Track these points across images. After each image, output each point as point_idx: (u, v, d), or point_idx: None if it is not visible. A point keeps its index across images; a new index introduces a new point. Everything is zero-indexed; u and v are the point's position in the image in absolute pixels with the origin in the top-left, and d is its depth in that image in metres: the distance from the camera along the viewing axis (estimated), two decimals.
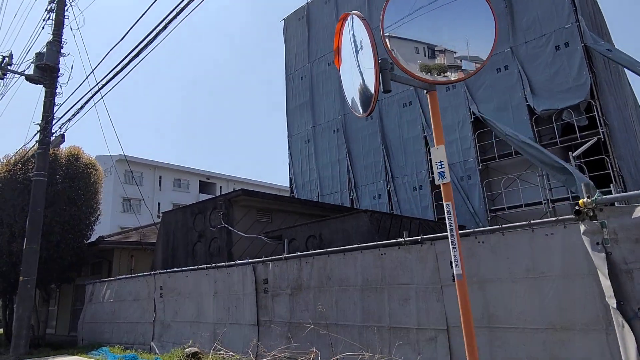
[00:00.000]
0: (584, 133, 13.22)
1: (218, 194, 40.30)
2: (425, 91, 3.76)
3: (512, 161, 14.68)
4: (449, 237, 3.40)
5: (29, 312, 10.77)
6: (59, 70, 12.28)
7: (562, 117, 13.52)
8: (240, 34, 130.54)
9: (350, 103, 3.97)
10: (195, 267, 9.19)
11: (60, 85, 12.46)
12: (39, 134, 11.93)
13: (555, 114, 13.62)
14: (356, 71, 3.81)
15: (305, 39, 22.33)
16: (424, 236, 5.56)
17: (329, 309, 6.43)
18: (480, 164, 15.17)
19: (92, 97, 11.26)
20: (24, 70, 12.38)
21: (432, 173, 16.51)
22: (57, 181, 13.38)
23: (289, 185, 22.24)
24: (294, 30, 23.33)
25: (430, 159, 16.27)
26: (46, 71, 12.05)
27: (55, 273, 13.24)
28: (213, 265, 8.73)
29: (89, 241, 14.44)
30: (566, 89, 13.41)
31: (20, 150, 14.23)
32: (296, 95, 22.48)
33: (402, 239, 5.73)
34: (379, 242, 6.07)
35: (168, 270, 9.99)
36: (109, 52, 10.60)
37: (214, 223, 10.51)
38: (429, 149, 16.76)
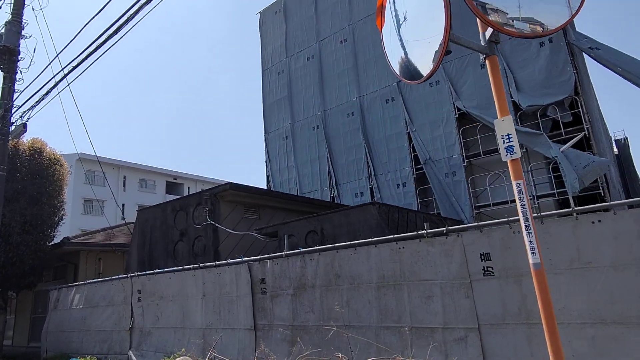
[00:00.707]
0: (567, 129, 13.33)
1: (186, 194, 38.82)
2: (483, 56, 3.33)
3: (497, 157, 14.59)
4: (522, 220, 2.96)
5: None
6: (19, 53, 11.09)
7: (547, 113, 13.59)
8: (212, 28, 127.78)
9: (391, 67, 3.55)
10: (180, 267, 8.42)
11: (21, 71, 11.30)
12: None
13: (540, 110, 13.67)
14: (397, 43, 3.49)
15: (283, 33, 21.68)
16: (450, 227, 5.13)
17: (339, 309, 5.89)
18: (465, 161, 15.07)
19: (57, 84, 10.24)
20: None
21: (416, 170, 16.31)
22: (18, 177, 12.15)
23: (266, 184, 21.50)
24: (270, 24, 22.63)
25: (415, 155, 16.34)
26: (5, 54, 10.86)
27: (14, 278, 11.98)
28: (201, 265, 8.00)
29: (52, 243, 13.23)
30: (551, 85, 13.47)
31: None
32: (273, 90, 21.78)
33: (424, 231, 5.28)
34: (396, 235, 5.60)
35: (148, 272, 9.14)
36: (78, 33, 9.62)
37: (198, 220, 9.73)
38: (413, 145, 16.54)
